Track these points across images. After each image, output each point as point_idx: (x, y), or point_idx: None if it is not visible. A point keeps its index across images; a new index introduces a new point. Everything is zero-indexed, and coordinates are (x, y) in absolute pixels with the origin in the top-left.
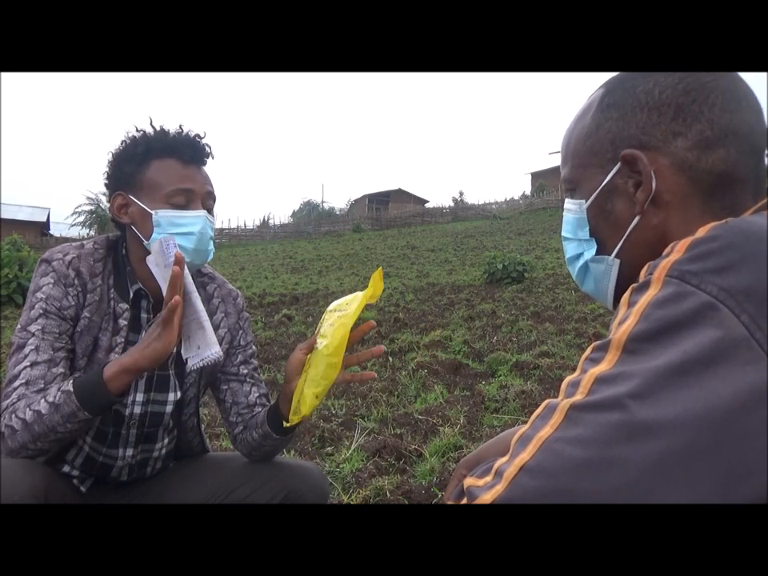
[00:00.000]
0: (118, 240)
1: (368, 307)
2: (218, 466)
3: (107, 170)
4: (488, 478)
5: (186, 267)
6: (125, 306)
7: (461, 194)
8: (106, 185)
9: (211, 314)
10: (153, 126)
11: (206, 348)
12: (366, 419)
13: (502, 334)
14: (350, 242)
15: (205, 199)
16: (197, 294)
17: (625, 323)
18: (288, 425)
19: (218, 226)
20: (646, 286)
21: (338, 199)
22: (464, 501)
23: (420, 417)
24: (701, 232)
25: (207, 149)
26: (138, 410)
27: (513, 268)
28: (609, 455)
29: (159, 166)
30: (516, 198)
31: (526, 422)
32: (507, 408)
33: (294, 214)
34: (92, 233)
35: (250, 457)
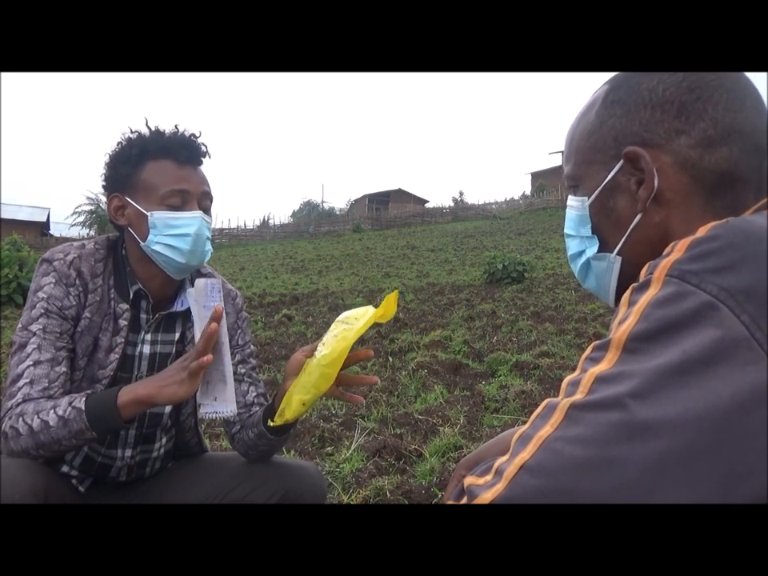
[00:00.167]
0: (118, 240)
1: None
2: (217, 466)
3: (104, 171)
4: (488, 477)
5: (223, 317)
6: (125, 306)
7: (461, 193)
8: (103, 186)
9: None
10: (148, 127)
11: (222, 403)
12: (365, 419)
13: (502, 334)
14: (350, 242)
15: (201, 200)
16: (228, 346)
17: (625, 323)
18: (272, 425)
19: (217, 226)
20: (646, 285)
21: (337, 199)
22: (464, 500)
23: (420, 417)
24: (701, 231)
25: (203, 148)
26: None
27: (513, 268)
28: (609, 455)
29: (154, 167)
30: (516, 198)
31: (525, 422)
32: (507, 408)
33: (293, 214)
34: (92, 233)
35: (247, 456)
